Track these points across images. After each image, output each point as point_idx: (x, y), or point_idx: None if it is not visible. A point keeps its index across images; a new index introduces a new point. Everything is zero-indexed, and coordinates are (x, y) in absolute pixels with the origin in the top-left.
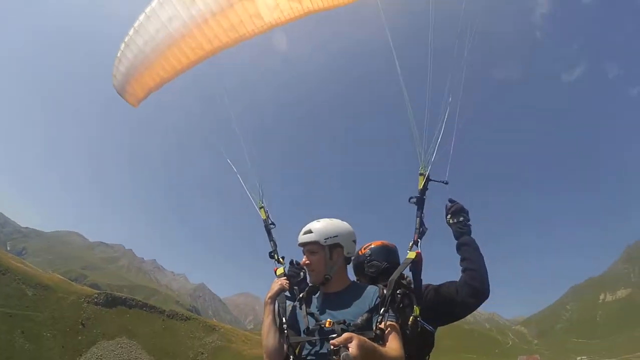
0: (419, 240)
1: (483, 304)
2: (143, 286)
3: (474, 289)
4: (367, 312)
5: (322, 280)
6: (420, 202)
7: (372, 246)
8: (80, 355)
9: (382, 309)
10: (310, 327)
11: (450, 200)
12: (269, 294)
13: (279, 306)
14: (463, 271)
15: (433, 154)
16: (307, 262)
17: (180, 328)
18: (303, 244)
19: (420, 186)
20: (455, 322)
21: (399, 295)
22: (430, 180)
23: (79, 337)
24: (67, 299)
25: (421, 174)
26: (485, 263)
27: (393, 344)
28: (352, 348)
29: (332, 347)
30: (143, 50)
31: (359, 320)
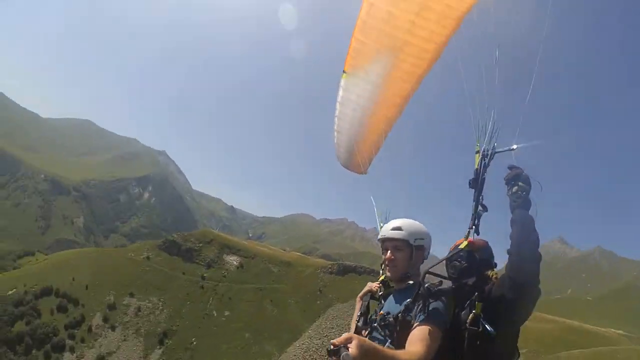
0: (474, 226)
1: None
2: (367, 252)
3: (511, 281)
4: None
5: (400, 277)
6: (475, 183)
7: (457, 245)
8: (319, 316)
9: (408, 301)
10: (373, 318)
11: (509, 167)
12: (359, 294)
13: (362, 304)
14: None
15: (489, 124)
16: (391, 257)
17: None
18: (389, 239)
19: (477, 165)
20: None
21: (435, 290)
22: (496, 152)
23: (317, 302)
24: (305, 272)
25: (477, 152)
26: (535, 246)
27: (413, 347)
28: (352, 348)
29: (331, 346)
30: (349, 131)
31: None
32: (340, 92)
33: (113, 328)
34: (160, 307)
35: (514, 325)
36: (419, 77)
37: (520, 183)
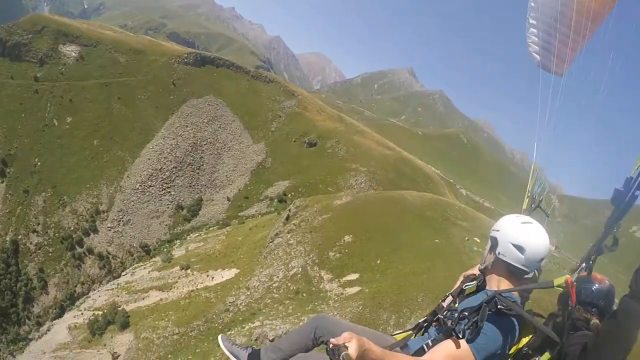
0: (588, 263)
1: None
2: (220, 34)
3: None
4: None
5: (479, 270)
6: (621, 197)
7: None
8: (173, 113)
9: (464, 305)
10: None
11: None
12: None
13: (459, 285)
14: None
15: None
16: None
17: (263, 90)
18: None
19: (634, 171)
20: None
21: (504, 309)
22: None
23: (171, 97)
24: (158, 61)
25: None
26: None
27: (426, 357)
28: (351, 348)
29: (330, 345)
30: (545, 24)
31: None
32: None
33: None
34: None
35: None
36: None
37: None
